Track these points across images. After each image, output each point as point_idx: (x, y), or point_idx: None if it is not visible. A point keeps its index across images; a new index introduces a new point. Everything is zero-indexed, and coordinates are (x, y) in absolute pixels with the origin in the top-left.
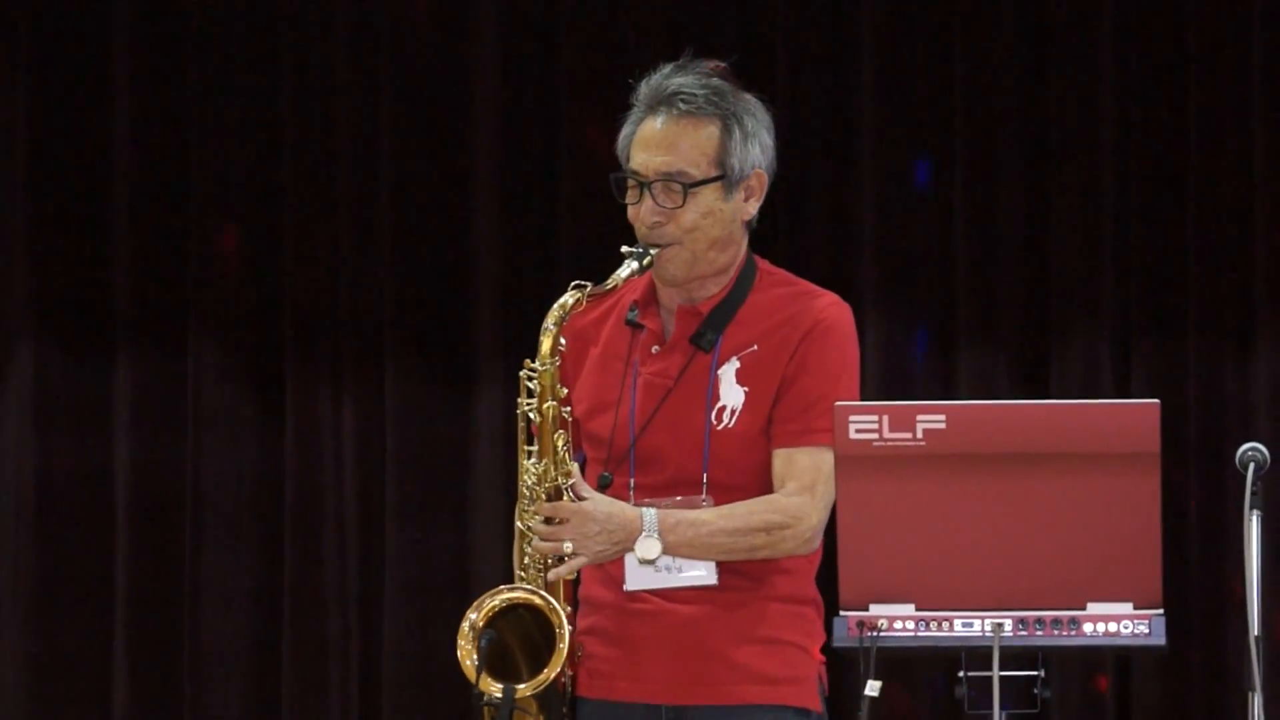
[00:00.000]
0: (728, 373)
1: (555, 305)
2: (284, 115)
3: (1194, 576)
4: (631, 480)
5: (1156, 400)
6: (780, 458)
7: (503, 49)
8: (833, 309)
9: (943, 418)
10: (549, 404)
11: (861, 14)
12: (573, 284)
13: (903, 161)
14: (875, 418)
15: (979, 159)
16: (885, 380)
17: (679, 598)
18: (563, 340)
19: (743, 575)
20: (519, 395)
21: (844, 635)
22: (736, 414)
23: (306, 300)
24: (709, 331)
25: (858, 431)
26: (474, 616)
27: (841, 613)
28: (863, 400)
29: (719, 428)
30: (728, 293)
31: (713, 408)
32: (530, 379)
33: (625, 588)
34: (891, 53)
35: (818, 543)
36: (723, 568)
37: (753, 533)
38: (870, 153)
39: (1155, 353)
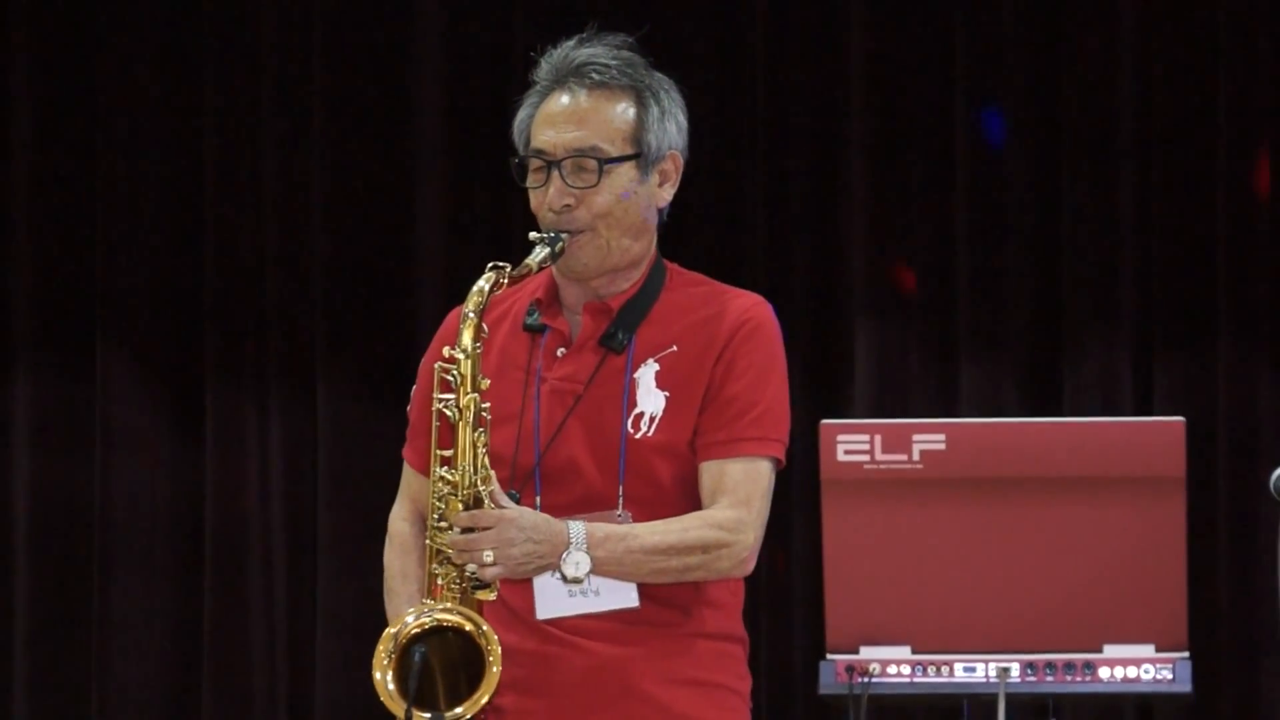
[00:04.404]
0: (646, 376)
1: (473, 290)
2: (204, 104)
3: (1223, 615)
4: (537, 499)
5: (1182, 418)
6: (710, 471)
7: (447, 41)
8: (758, 308)
9: (942, 437)
10: (469, 397)
11: None
12: (490, 264)
13: (896, 149)
14: (866, 437)
15: (981, 147)
16: (877, 395)
17: (600, 635)
18: (485, 327)
19: (671, 608)
20: (434, 391)
21: (831, 681)
22: (656, 421)
23: (228, 305)
24: (620, 331)
25: (846, 453)
26: (396, 629)
27: (829, 656)
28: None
29: (636, 436)
30: (639, 288)
31: (629, 414)
32: (447, 371)
33: (537, 616)
34: (885, 32)
35: (752, 564)
36: (649, 599)
37: (688, 551)
38: (861, 141)
39: (1180, 365)
